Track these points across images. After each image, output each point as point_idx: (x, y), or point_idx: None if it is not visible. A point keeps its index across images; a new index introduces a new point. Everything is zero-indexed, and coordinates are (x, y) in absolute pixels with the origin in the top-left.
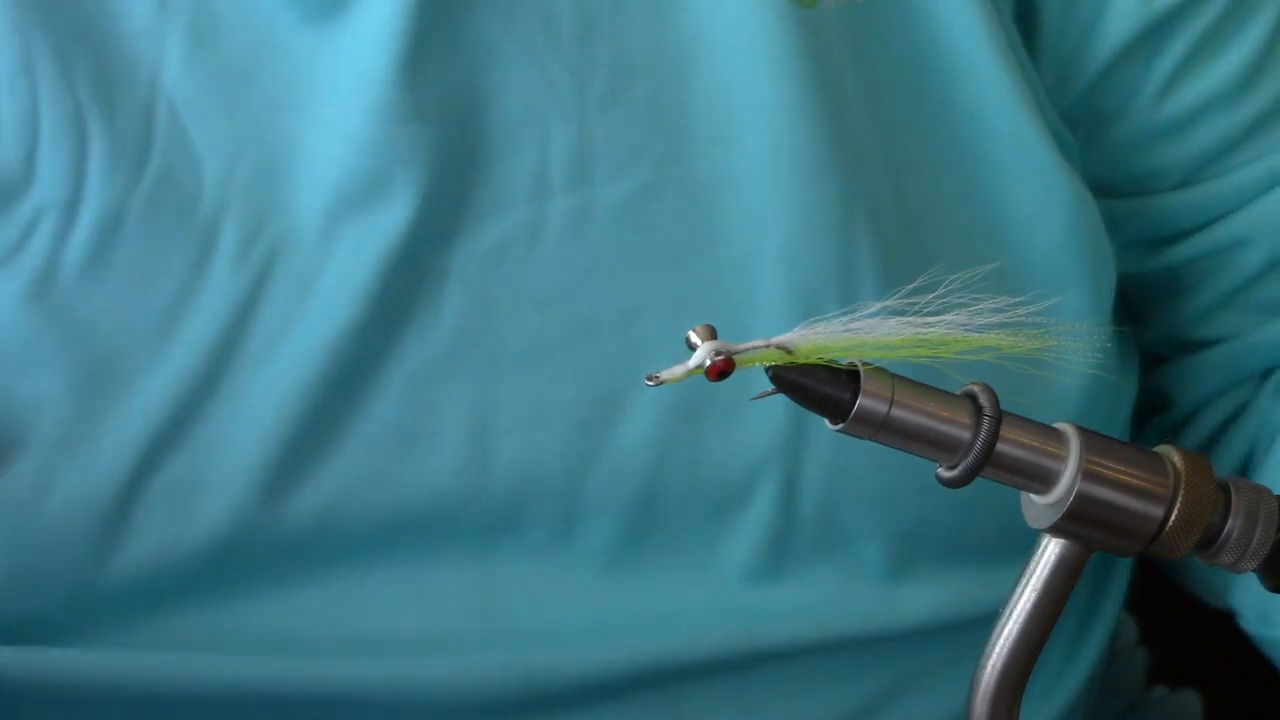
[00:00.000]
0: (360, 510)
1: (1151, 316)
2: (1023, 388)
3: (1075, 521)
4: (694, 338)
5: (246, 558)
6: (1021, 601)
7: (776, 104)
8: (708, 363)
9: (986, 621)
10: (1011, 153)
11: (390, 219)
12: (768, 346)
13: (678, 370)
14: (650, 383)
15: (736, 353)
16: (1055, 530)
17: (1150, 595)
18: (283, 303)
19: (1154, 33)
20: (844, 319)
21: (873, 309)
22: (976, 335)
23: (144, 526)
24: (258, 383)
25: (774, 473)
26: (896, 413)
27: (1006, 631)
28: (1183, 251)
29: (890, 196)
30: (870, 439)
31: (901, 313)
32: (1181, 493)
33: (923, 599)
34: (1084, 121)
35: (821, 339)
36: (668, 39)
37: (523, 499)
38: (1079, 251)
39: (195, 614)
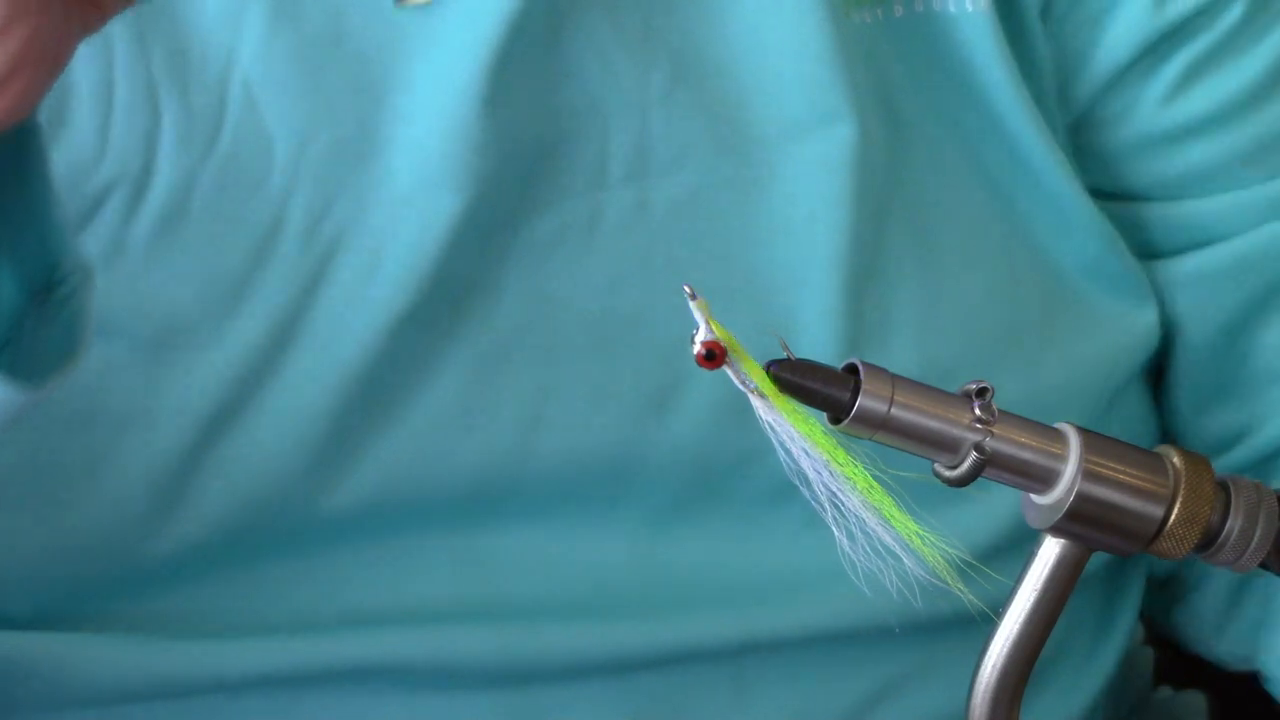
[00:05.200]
0: (408, 488)
1: None
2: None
3: (1075, 521)
4: (700, 351)
5: (294, 530)
6: (1021, 602)
7: (823, 106)
8: (696, 347)
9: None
10: (1029, 173)
11: (456, 203)
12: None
13: (698, 315)
14: (688, 289)
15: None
16: (1055, 530)
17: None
18: (347, 284)
19: (1162, 41)
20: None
21: None
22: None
23: (199, 499)
24: (318, 361)
25: None
26: (896, 412)
27: (1006, 631)
28: (1170, 272)
29: (920, 203)
30: (870, 438)
31: None
32: (1181, 492)
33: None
34: (1079, 127)
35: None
36: (722, 39)
37: (570, 480)
38: (1110, 270)
39: (236, 585)
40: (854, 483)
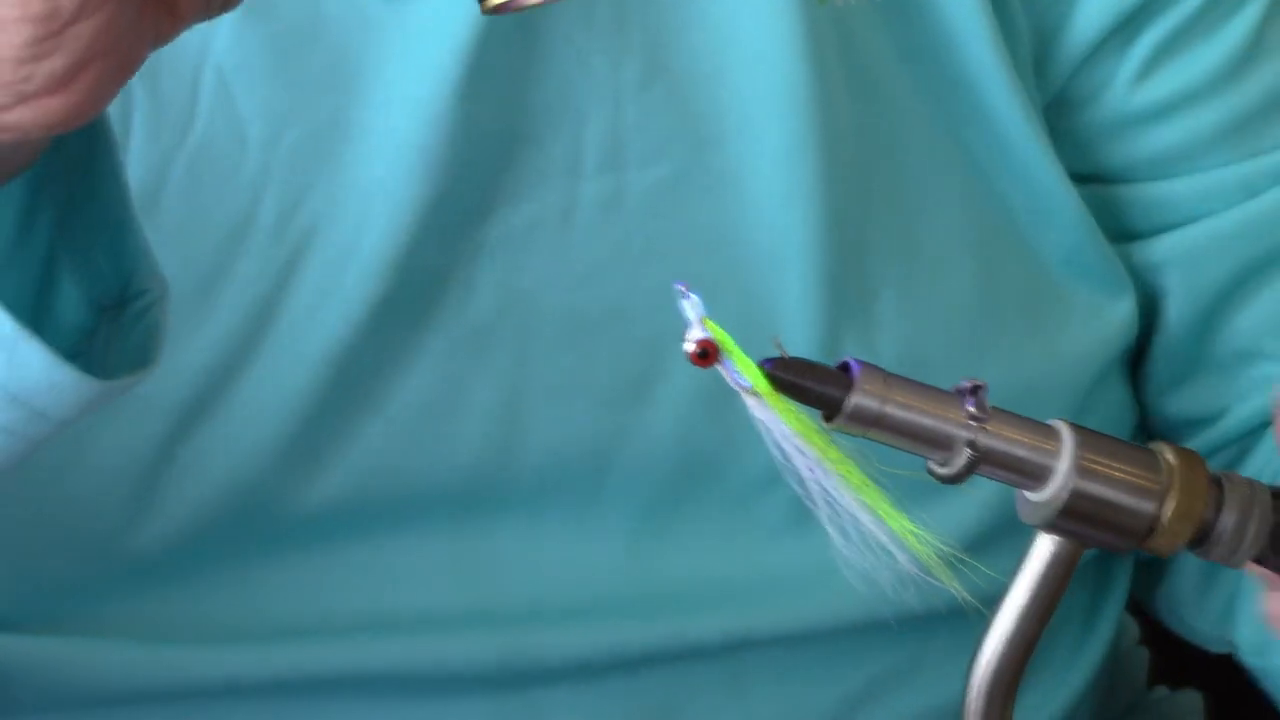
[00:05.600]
0: (387, 483)
1: None
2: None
3: (1069, 518)
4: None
5: (273, 528)
6: (1016, 599)
7: (801, 95)
8: (689, 346)
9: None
10: (1012, 158)
11: (429, 194)
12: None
13: (690, 313)
14: (681, 288)
15: (721, 349)
16: (1049, 527)
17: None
18: (320, 274)
19: (1132, 18)
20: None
21: None
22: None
23: (175, 492)
24: (292, 351)
25: None
26: (890, 410)
27: (1001, 629)
28: (1146, 253)
29: (902, 189)
30: (863, 436)
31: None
32: (1175, 489)
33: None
34: (1054, 108)
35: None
36: (697, 29)
37: (551, 475)
38: (1089, 260)
39: (218, 586)
40: (848, 480)
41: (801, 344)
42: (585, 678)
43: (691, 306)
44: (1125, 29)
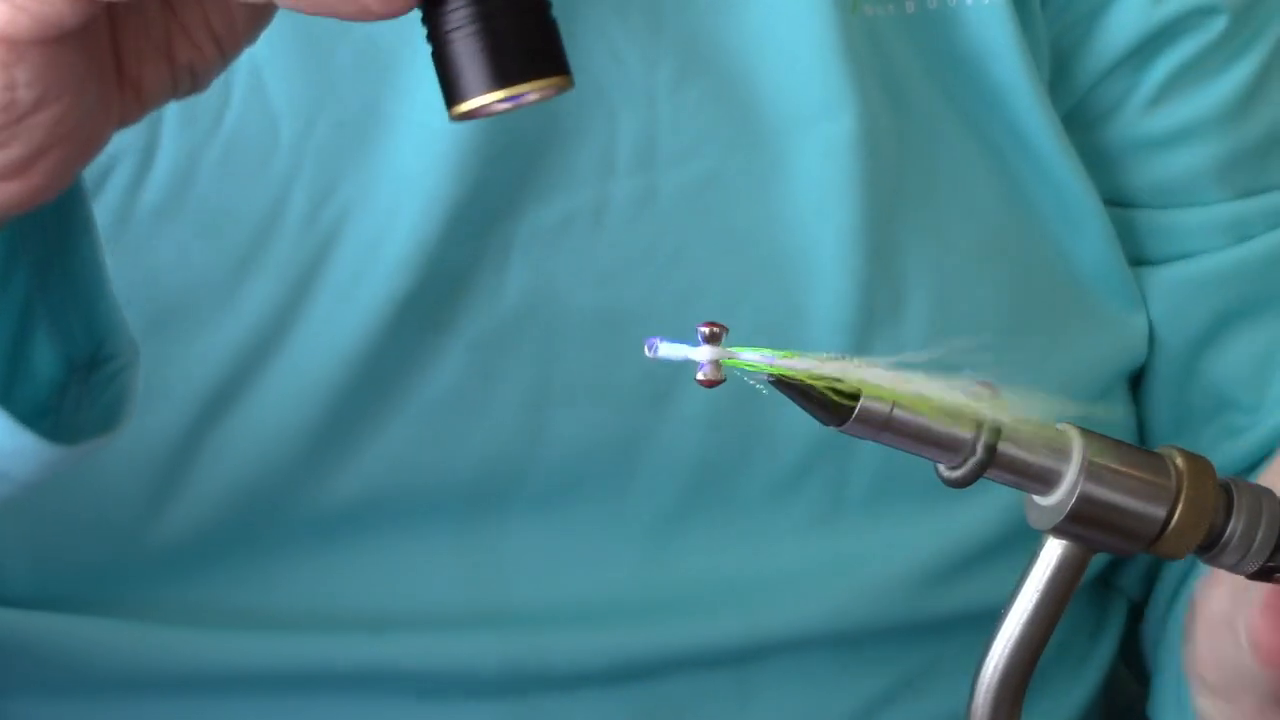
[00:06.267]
0: (407, 479)
1: None
2: None
3: (1077, 523)
4: (702, 331)
5: (293, 520)
6: (1023, 602)
7: (839, 98)
8: (699, 375)
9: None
10: (1041, 167)
11: (459, 188)
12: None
13: (677, 352)
14: (649, 351)
15: (732, 357)
16: (1057, 531)
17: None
18: (348, 267)
19: (1147, 44)
20: (848, 361)
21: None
22: (955, 404)
23: (198, 482)
24: (318, 344)
25: (829, 455)
26: (899, 414)
27: (1008, 633)
28: (1144, 283)
29: (934, 193)
30: (872, 440)
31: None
32: (1184, 493)
33: (964, 591)
34: (1069, 125)
35: (817, 367)
36: (733, 32)
37: (569, 476)
38: (1112, 271)
39: (236, 576)
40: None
41: (831, 346)
42: (593, 684)
43: (673, 349)
44: (1145, 50)
